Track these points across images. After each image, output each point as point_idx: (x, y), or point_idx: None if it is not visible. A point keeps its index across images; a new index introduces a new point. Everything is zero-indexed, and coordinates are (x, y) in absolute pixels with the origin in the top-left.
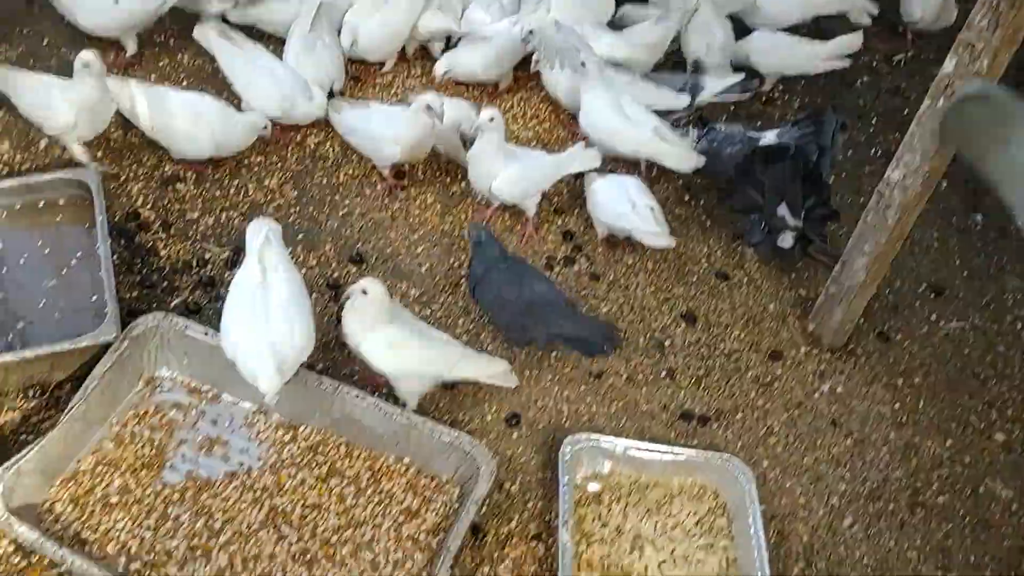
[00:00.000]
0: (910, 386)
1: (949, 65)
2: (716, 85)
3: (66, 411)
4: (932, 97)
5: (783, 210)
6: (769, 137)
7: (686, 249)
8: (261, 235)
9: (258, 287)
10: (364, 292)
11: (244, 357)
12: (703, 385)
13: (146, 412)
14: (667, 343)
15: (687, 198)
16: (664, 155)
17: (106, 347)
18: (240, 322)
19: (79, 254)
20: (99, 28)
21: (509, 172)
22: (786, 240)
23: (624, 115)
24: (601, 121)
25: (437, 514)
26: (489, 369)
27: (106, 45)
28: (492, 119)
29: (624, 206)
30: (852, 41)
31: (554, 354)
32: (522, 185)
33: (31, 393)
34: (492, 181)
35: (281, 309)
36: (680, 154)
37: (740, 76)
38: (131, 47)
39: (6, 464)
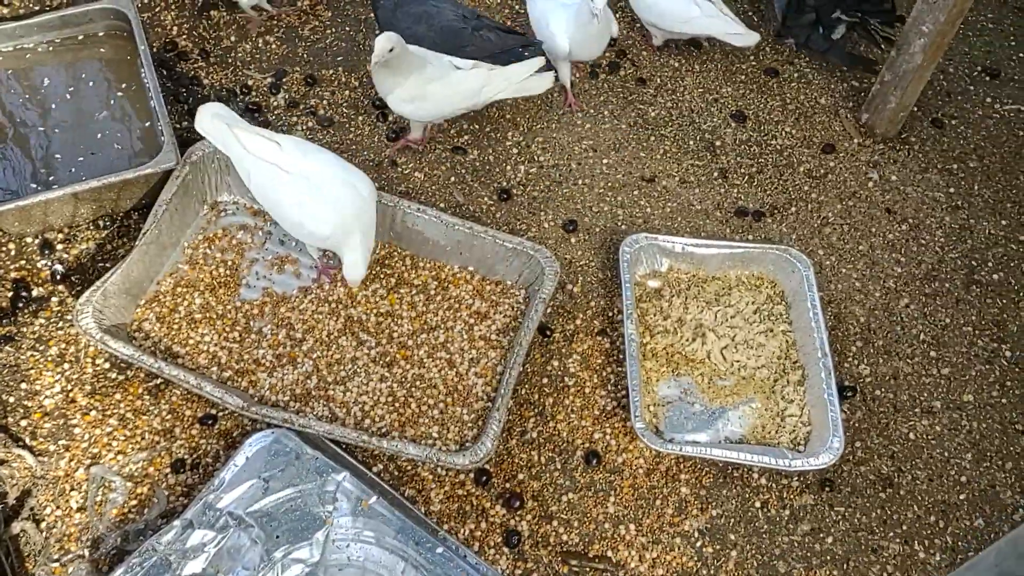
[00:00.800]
0: (964, 170)
1: None
2: None
3: (140, 235)
4: None
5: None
6: None
7: (733, 48)
8: (216, 121)
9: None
10: (391, 50)
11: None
12: (756, 182)
13: (215, 235)
14: (718, 143)
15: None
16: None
17: (168, 174)
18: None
19: (125, 85)
20: None
21: None
22: (839, 31)
23: None
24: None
25: (505, 315)
26: (522, 73)
27: None
28: None
29: (692, 10)
30: None
31: (605, 160)
32: None
33: (101, 223)
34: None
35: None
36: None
37: None
38: None
39: (93, 287)
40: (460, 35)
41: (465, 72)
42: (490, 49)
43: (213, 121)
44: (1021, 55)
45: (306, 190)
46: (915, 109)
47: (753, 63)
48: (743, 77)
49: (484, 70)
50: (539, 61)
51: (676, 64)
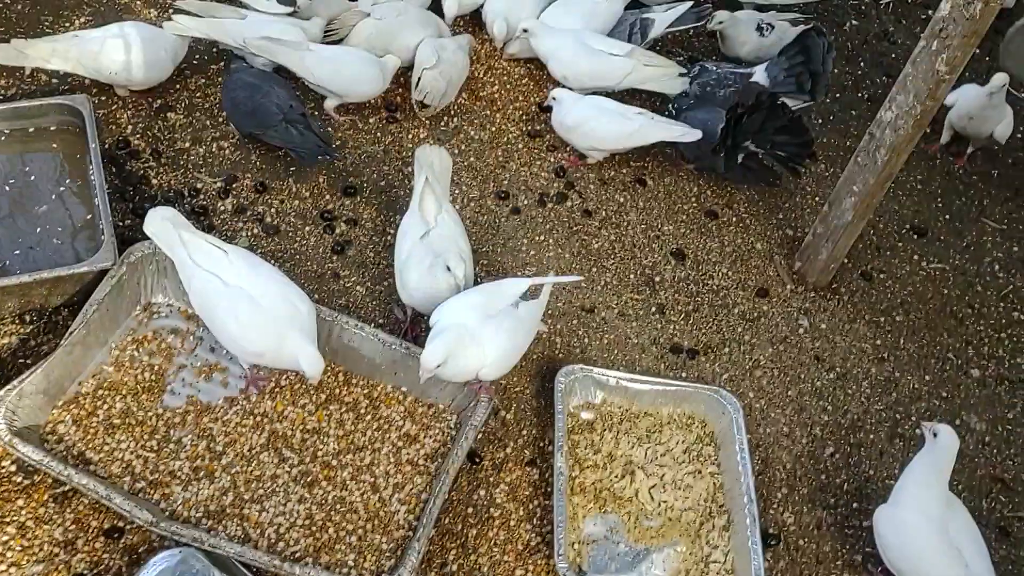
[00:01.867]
0: (891, 323)
1: (944, 8)
2: (667, 17)
3: (67, 334)
4: (927, 38)
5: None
6: (759, 72)
7: (676, 188)
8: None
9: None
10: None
11: None
12: (692, 320)
13: (144, 337)
14: (657, 279)
15: None
16: (650, 80)
17: (103, 273)
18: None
19: (70, 181)
20: None
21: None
22: (741, 155)
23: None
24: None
25: (435, 440)
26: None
27: None
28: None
29: (629, 124)
30: None
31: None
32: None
33: (28, 318)
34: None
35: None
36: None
37: (689, 3)
38: None
39: (8, 386)
40: (269, 119)
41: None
42: (290, 142)
43: (162, 224)
44: (947, 216)
45: (245, 304)
46: (846, 261)
47: (694, 204)
48: (684, 217)
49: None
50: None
51: (621, 199)
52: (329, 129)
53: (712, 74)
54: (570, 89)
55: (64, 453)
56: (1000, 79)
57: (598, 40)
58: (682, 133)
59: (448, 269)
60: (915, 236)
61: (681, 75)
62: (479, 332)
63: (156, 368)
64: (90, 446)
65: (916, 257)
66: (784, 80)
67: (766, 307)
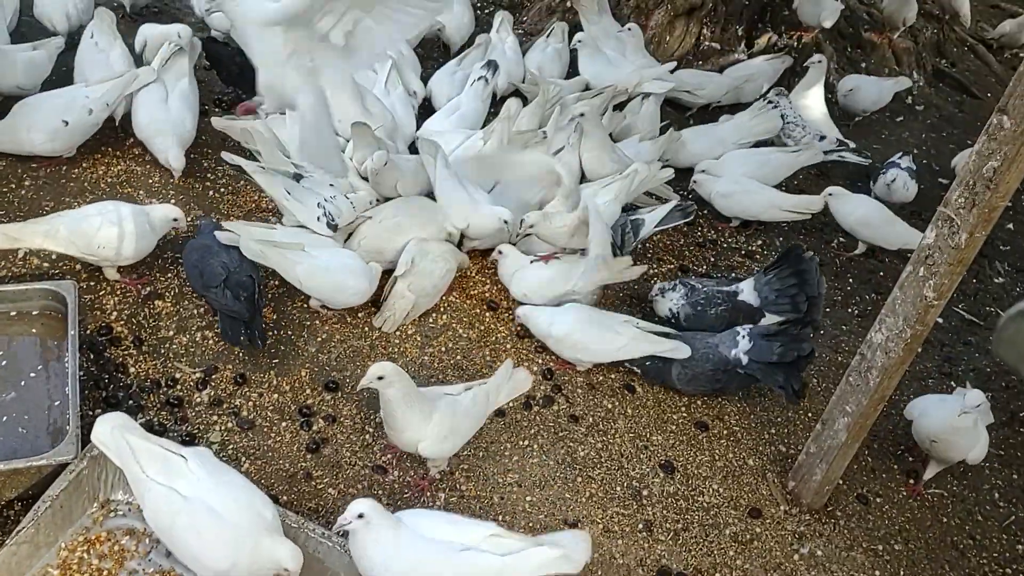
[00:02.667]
0: (890, 553)
1: (930, 236)
2: (654, 217)
3: (15, 532)
4: (914, 264)
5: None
6: (746, 290)
7: (666, 396)
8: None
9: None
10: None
11: None
12: (681, 540)
13: (97, 537)
14: (645, 493)
15: None
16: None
17: (63, 466)
18: None
19: (43, 368)
20: None
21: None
22: None
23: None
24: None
25: None
26: None
27: None
28: None
29: (618, 340)
30: (812, 203)
31: (529, 498)
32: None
33: None
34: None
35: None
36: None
37: (673, 202)
38: None
39: None
40: (212, 280)
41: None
42: (224, 306)
43: (113, 433)
44: None
45: (205, 517)
46: (841, 483)
47: (684, 414)
48: (674, 427)
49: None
50: None
51: (609, 405)
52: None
53: (700, 293)
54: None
55: None
56: (975, 398)
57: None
58: (672, 348)
59: None
60: (910, 459)
61: (662, 293)
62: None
63: (105, 573)
64: None
65: (912, 481)
66: (776, 300)
67: (759, 529)
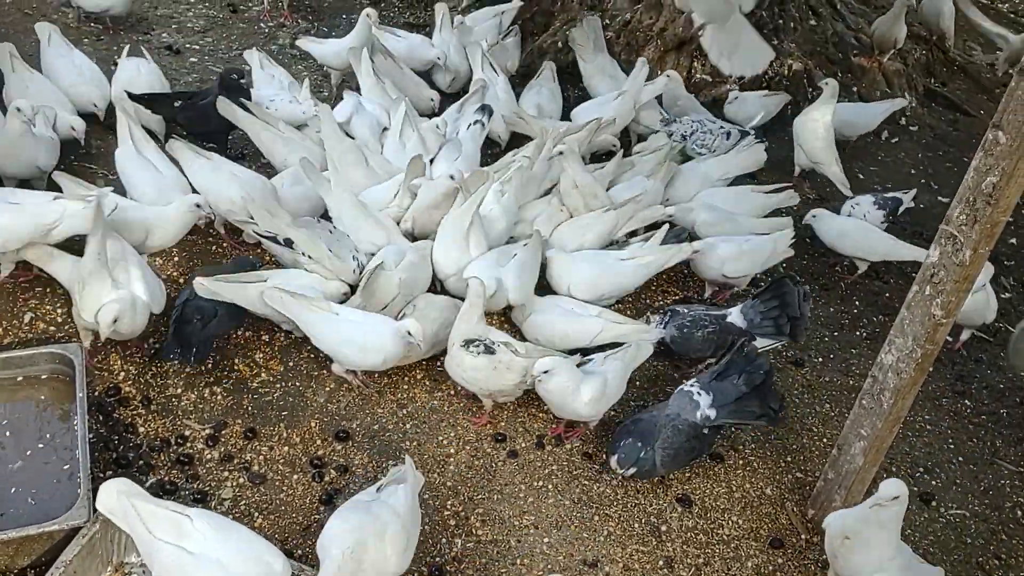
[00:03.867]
0: None
1: (934, 254)
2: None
3: None
4: (919, 283)
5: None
6: (735, 314)
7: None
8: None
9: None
10: None
11: None
12: (703, 575)
13: None
14: (663, 528)
15: (677, 375)
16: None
17: (75, 530)
18: None
19: (52, 434)
20: None
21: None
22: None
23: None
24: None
25: None
26: None
27: None
28: None
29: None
30: (783, 224)
31: (546, 539)
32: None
33: None
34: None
35: None
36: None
37: (665, 228)
38: None
39: None
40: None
41: None
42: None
43: (119, 499)
44: (960, 458)
45: (214, 571)
46: None
47: None
48: None
49: None
50: None
51: None
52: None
53: (686, 316)
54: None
55: None
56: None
57: (569, 302)
58: (644, 330)
59: None
60: (926, 477)
61: (651, 319)
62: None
63: None
64: None
65: (934, 503)
66: (761, 323)
67: (781, 559)
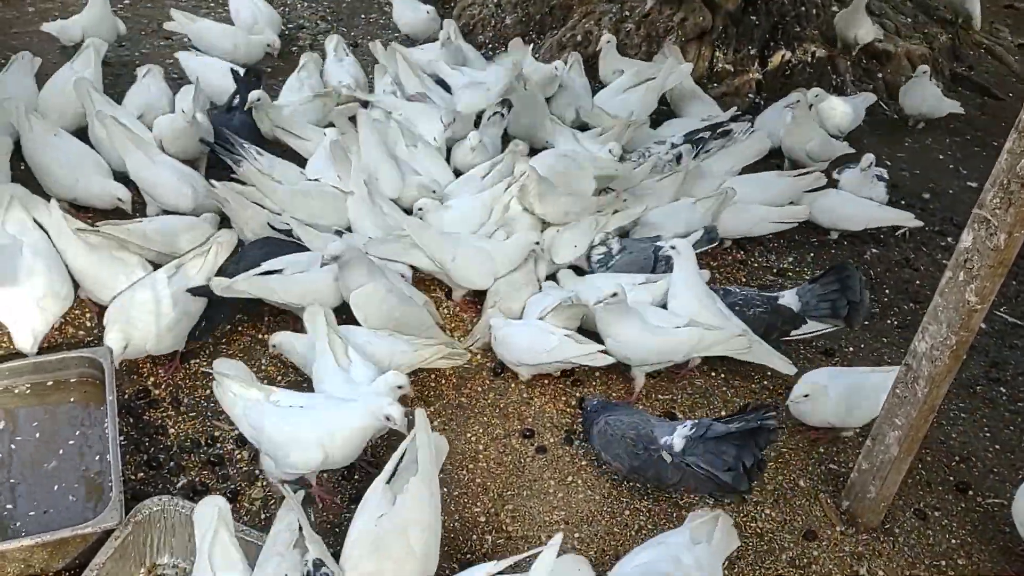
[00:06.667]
0: (953, 568)
1: (967, 239)
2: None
3: None
4: (953, 269)
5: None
6: (788, 297)
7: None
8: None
9: None
10: None
11: None
12: (737, 568)
13: None
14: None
15: (706, 368)
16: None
17: (108, 533)
18: None
19: (87, 435)
20: None
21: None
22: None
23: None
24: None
25: None
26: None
27: None
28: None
29: (550, 339)
30: (798, 212)
31: (577, 534)
32: None
33: None
34: None
35: None
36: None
37: (700, 230)
38: None
39: None
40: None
41: None
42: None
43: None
44: (997, 446)
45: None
46: (896, 498)
47: None
48: None
49: None
50: None
51: None
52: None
53: (737, 296)
54: None
55: None
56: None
57: (658, 315)
58: (593, 351)
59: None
60: (963, 466)
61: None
62: None
63: None
64: None
65: (971, 492)
66: (818, 305)
67: (816, 551)
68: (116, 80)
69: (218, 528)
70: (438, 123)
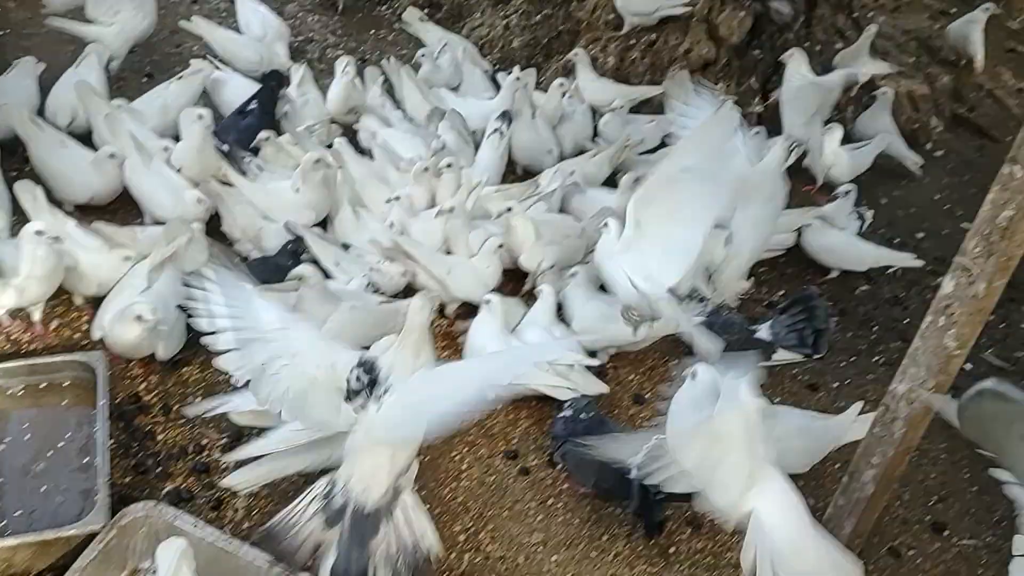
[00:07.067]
0: None
1: (948, 286)
2: None
3: None
4: (933, 314)
5: None
6: (763, 331)
7: None
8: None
9: None
10: None
11: None
12: None
13: None
14: (671, 550)
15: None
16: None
17: (92, 536)
18: None
19: (77, 437)
20: None
21: None
22: None
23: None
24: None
25: None
26: None
27: None
28: None
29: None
30: (783, 240)
31: (554, 557)
32: None
33: None
34: None
35: None
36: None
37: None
38: None
39: None
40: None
41: None
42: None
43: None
44: (975, 488)
45: None
46: (871, 536)
47: None
48: None
49: None
50: None
51: None
52: None
53: (720, 318)
54: None
55: None
56: None
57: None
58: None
59: None
60: (940, 506)
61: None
62: None
63: None
64: None
65: (946, 532)
66: (786, 336)
67: None
68: (124, 85)
69: (180, 563)
70: (422, 148)
